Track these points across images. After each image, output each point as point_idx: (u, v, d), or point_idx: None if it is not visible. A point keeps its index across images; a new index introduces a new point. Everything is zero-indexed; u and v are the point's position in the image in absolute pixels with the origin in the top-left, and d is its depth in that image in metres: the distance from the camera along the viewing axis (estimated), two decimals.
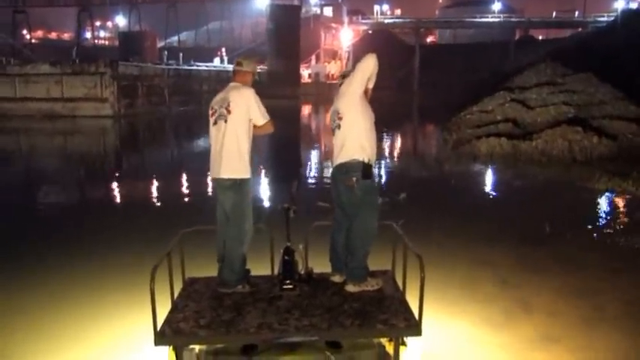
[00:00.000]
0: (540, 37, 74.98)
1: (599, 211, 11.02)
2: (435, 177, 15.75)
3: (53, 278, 7.28)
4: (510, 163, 16.59)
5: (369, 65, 4.51)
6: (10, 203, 12.65)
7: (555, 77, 24.61)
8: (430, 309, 5.63)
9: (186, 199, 12.85)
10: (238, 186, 4.51)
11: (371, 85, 4.61)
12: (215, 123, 4.52)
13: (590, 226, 9.65)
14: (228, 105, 4.47)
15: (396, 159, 20.23)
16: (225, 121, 4.46)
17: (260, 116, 4.55)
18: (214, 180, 4.60)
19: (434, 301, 6.02)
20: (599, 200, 11.84)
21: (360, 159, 4.43)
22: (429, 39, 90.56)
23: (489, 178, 15.45)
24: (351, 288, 4.53)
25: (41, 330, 5.88)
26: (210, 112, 4.57)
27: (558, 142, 16.93)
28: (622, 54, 29.59)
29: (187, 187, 14.09)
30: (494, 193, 13.41)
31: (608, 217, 10.38)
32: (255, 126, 4.59)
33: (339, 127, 4.49)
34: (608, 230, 9.44)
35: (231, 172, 4.49)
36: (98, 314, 6.14)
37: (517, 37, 70.98)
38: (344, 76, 4.78)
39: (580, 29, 64.72)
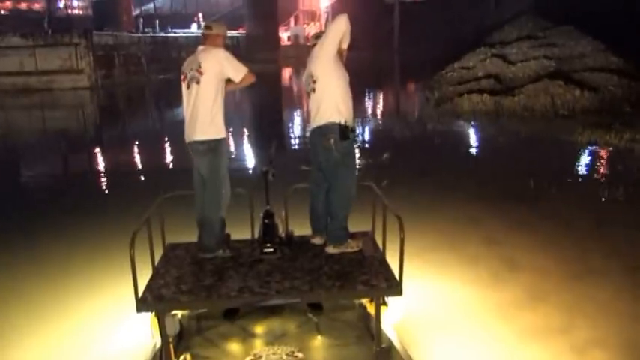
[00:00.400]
0: None
1: (582, 165, 10.99)
2: (418, 136, 15.60)
3: (30, 251, 7.11)
4: (493, 120, 16.54)
5: (341, 26, 4.46)
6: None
7: (536, 31, 24.51)
8: (413, 270, 5.50)
9: (168, 166, 12.70)
10: (213, 148, 4.46)
11: (345, 46, 4.55)
12: (188, 87, 4.47)
13: (573, 180, 9.67)
14: (199, 66, 4.41)
15: (378, 118, 20.09)
16: (197, 82, 4.40)
17: (236, 72, 4.52)
18: (189, 144, 4.55)
19: (418, 262, 5.98)
20: (581, 154, 11.80)
21: (337, 121, 4.41)
22: None
23: (472, 136, 15.42)
24: (331, 249, 4.57)
25: (20, 301, 5.74)
26: (182, 76, 4.52)
27: (540, 96, 16.88)
28: (604, 5, 29.33)
29: (169, 154, 13.88)
30: (477, 151, 13.36)
31: (591, 171, 10.40)
32: (234, 82, 4.56)
33: (313, 90, 4.46)
34: (592, 184, 9.42)
35: (204, 134, 4.44)
36: (79, 284, 5.99)
37: None
38: (317, 37, 4.73)
39: None
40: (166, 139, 15.73)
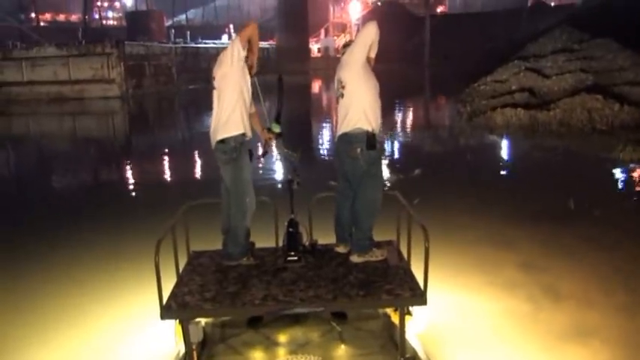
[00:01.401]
0: (552, 4, 73.23)
1: (626, 185, 10.43)
2: (450, 151, 15.16)
3: (58, 258, 7.17)
4: (528, 135, 15.97)
5: (370, 33, 4.43)
6: (23, 186, 12.73)
7: (571, 44, 23.88)
8: (445, 294, 5.43)
9: (197, 175, 12.62)
10: (232, 152, 4.39)
11: (373, 54, 4.53)
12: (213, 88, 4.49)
13: (614, 201, 9.13)
14: (214, 78, 4.45)
15: (409, 132, 19.68)
16: (214, 88, 4.45)
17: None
18: (215, 150, 4.50)
19: (449, 285, 5.75)
20: (624, 173, 11.25)
21: (365, 128, 4.38)
22: (440, 9, 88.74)
23: (507, 151, 14.91)
24: (355, 259, 4.58)
25: (46, 306, 5.79)
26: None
27: (577, 111, 16.28)
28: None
29: (197, 163, 13.72)
30: (512, 168, 12.75)
31: (634, 191, 9.81)
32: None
33: (342, 95, 4.44)
34: (634, 205, 8.86)
35: (223, 133, 4.40)
36: (105, 291, 6.04)
37: (529, 4, 69.38)
38: (346, 45, 4.71)
39: None
40: (194, 148, 15.55)
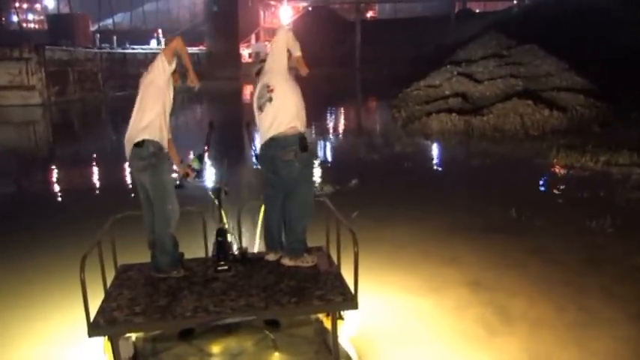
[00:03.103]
0: (477, 10, 75.05)
1: (563, 191, 10.38)
2: (387, 158, 14.85)
3: None
4: (464, 141, 15.98)
5: (281, 38, 4.60)
6: None
7: (500, 49, 24.24)
8: (384, 320, 5.26)
9: (123, 187, 11.86)
10: (151, 158, 4.32)
11: (298, 52, 4.64)
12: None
13: (556, 209, 9.04)
14: (144, 77, 4.48)
15: (343, 138, 19.42)
16: (138, 95, 4.45)
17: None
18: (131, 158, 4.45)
19: (390, 310, 5.45)
20: (560, 179, 11.29)
21: (299, 129, 4.49)
22: (370, 14, 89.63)
23: (444, 159, 14.76)
24: (287, 262, 4.65)
25: None
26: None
27: (510, 116, 16.44)
28: (561, 25, 29.41)
29: (124, 174, 12.91)
30: (451, 176, 12.58)
31: (573, 197, 9.74)
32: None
33: (270, 99, 4.46)
34: (575, 212, 8.75)
35: (141, 135, 4.35)
36: (29, 312, 5.61)
37: (456, 10, 70.89)
38: (262, 61, 4.83)
39: (515, 1, 64.86)
40: (121, 158, 14.69)
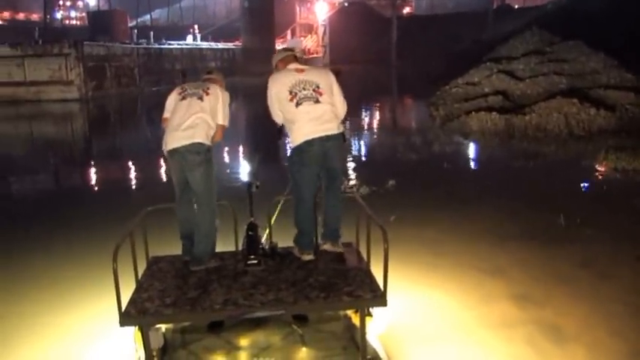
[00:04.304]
0: (517, 6, 73.56)
1: (613, 196, 9.74)
2: (425, 158, 14.40)
3: (16, 269, 6.90)
4: (504, 141, 15.41)
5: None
6: None
7: (543, 46, 23.43)
8: (423, 326, 5.17)
9: (157, 180, 11.90)
10: (209, 157, 4.59)
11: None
12: (183, 98, 4.68)
13: (607, 217, 8.37)
14: (208, 88, 4.73)
15: (378, 137, 19.00)
16: (200, 98, 4.65)
17: (223, 117, 4.77)
18: (172, 150, 4.58)
19: (430, 318, 5.25)
20: (609, 182, 10.69)
21: (342, 130, 4.76)
22: (406, 10, 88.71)
23: (485, 159, 14.24)
24: (329, 247, 4.79)
25: (8, 317, 5.60)
26: (179, 91, 4.78)
27: (553, 115, 15.80)
28: (608, 20, 28.36)
29: (158, 168, 12.87)
30: (495, 179, 11.81)
31: (626, 204, 9.08)
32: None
33: (317, 100, 4.60)
34: (630, 221, 8.11)
35: (205, 138, 4.60)
36: (63, 299, 5.87)
37: (494, 6, 69.52)
38: (287, 50, 5.18)
39: None
40: (157, 152, 14.62)
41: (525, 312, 5.41)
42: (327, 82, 4.73)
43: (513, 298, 5.71)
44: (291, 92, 4.62)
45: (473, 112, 17.20)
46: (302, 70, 4.75)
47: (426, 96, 23.68)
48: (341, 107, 4.78)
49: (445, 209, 8.84)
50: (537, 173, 12.12)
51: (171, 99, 4.81)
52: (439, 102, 20.93)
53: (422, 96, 25.54)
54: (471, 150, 15.33)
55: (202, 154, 4.50)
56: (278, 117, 4.77)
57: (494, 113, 16.66)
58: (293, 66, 4.81)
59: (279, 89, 4.68)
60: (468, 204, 9.21)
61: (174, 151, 4.54)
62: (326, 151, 4.60)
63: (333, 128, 4.61)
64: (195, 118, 4.56)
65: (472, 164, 13.70)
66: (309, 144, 4.55)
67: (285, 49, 5.17)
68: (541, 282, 6.09)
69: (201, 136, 4.52)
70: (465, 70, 23.20)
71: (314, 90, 4.62)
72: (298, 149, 4.61)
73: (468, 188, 10.63)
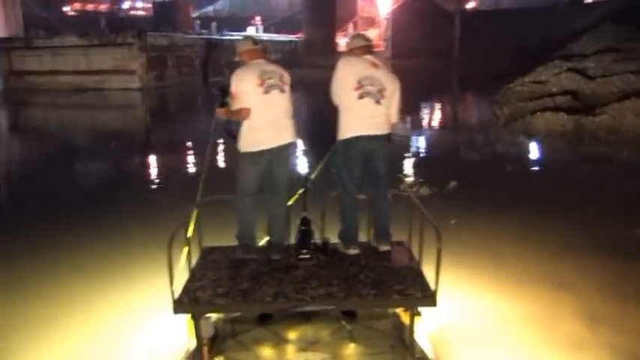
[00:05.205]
0: (589, 0, 70.89)
1: None
2: (488, 160, 13.75)
3: (74, 252, 7.15)
4: (573, 143, 14.63)
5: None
6: (43, 178, 12.52)
7: (617, 43, 22.24)
8: (479, 342, 4.89)
9: (214, 172, 11.62)
10: (292, 150, 4.80)
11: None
12: (266, 92, 4.59)
13: None
14: (282, 77, 4.72)
15: (439, 136, 18.40)
16: (282, 91, 4.67)
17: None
18: (270, 149, 4.62)
19: (490, 330, 5.07)
20: None
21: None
22: (470, 5, 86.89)
23: (552, 162, 13.45)
24: (384, 246, 4.80)
25: (67, 295, 5.89)
26: (260, 80, 4.59)
27: (628, 117, 14.90)
28: None
29: (217, 160, 12.80)
30: (563, 184, 11.00)
31: None
32: None
33: (378, 101, 4.64)
34: None
35: (294, 137, 4.81)
36: (118, 286, 6.05)
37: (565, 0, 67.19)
38: (367, 39, 5.03)
39: None
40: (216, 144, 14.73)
41: (597, 334, 4.95)
42: (393, 88, 4.75)
43: (583, 316, 5.28)
44: (359, 82, 4.61)
45: (539, 112, 16.48)
46: (376, 66, 4.73)
47: (489, 94, 22.90)
48: (394, 116, 4.85)
49: (509, 214, 8.34)
50: (609, 179, 11.32)
51: (249, 87, 4.58)
52: (503, 100, 20.16)
53: (484, 93, 24.74)
54: (537, 152, 14.59)
55: (292, 147, 4.79)
56: (336, 98, 4.78)
57: (561, 113, 15.91)
58: (370, 58, 4.79)
59: (348, 74, 4.67)
60: (534, 209, 8.63)
61: (267, 151, 4.60)
62: (371, 149, 4.70)
63: (381, 129, 4.71)
64: (287, 116, 4.72)
65: (538, 167, 13.00)
66: (356, 139, 4.65)
67: (363, 37, 5.07)
68: (615, 301, 5.58)
69: (294, 134, 4.77)
70: (531, 67, 22.25)
71: (379, 90, 4.64)
72: (345, 143, 4.70)
73: (534, 192, 10.01)
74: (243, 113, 4.57)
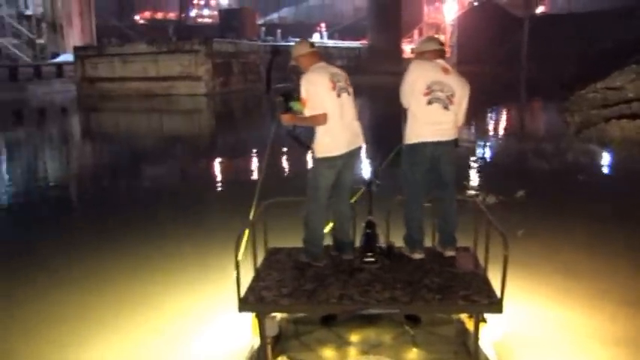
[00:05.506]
0: None
1: None
2: (558, 169, 13.16)
3: (139, 249, 7.36)
4: None
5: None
6: (111, 181, 13.22)
7: None
8: (548, 355, 4.69)
9: (278, 175, 11.83)
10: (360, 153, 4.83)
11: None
12: (339, 95, 4.55)
13: None
14: (347, 80, 4.69)
15: (507, 144, 17.87)
16: (349, 94, 4.65)
17: None
18: (346, 153, 4.58)
19: (555, 346, 4.80)
20: None
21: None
22: (540, 9, 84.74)
23: (627, 173, 12.69)
24: (450, 252, 4.77)
25: (128, 295, 5.97)
26: (332, 83, 4.52)
27: None
28: None
29: (281, 164, 13.01)
30: (637, 194, 10.36)
31: None
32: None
33: (446, 107, 4.61)
34: None
35: (363, 140, 4.79)
36: (181, 284, 6.15)
37: None
38: (441, 43, 4.97)
39: None
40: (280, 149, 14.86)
41: None
42: (463, 94, 4.71)
43: None
44: (428, 87, 4.58)
45: (613, 120, 15.79)
46: (447, 71, 4.70)
47: (559, 100, 22.15)
48: (461, 120, 4.83)
49: (581, 227, 7.88)
50: None
51: (323, 92, 4.49)
52: (574, 107, 19.42)
53: (554, 100, 23.99)
54: (611, 161, 13.92)
55: (359, 150, 4.78)
56: (405, 101, 4.75)
57: (638, 121, 15.13)
58: (441, 62, 4.76)
59: (418, 78, 4.65)
60: (608, 223, 8.13)
61: (344, 155, 4.58)
62: (438, 155, 4.68)
63: (448, 135, 4.68)
64: (356, 120, 4.72)
65: (612, 178, 12.36)
66: (422, 145, 4.64)
67: (437, 41, 5.02)
68: None
69: (362, 140, 4.75)
70: (605, 73, 21.41)
71: (448, 96, 4.60)
72: (411, 148, 4.71)
73: (608, 205, 9.43)
74: (320, 119, 4.48)
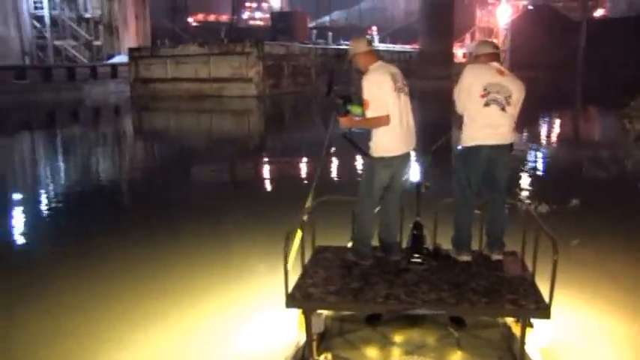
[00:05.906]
0: None
1: None
2: (616, 178, 12.72)
3: (189, 246, 7.45)
4: None
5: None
6: (162, 178, 13.55)
7: None
8: None
9: (326, 176, 11.86)
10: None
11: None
12: (399, 96, 4.52)
13: None
14: (404, 79, 4.64)
15: (562, 151, 17.32)
16: (406, 94, 4.62)
17: None
18: (404, 153, 4.61)
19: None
20: None
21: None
22: (599, 12, 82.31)
23: None
24: (497, 256, 4.74)
25: (178, 287, 6.10)
26: (393, 83, 4.49)
27: None
28: None
29: (330, 165, 12.90)
30: None
31: None
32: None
33: (503, 108, 4.59)
34: None
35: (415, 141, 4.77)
36: (232, 279, 6.27)
37: None
38: (495, 46, 4.97)
39: None
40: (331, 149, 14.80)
41: None
42: (519, 95, 4.66)
43: None
44: (485, 89, 4.56)
45: None
46: (503, 73, 4.66)
47: (617, 107, 21.44)
48: (516, 121, 4.77)
49: (638, 239, 7.56)
50: None
51: (387, 93, 4.46)
52: (633, 114, 18.85)
53: (612, 107, 23.23)
54: None
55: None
56: (460, 106, 4.74)
57: None
58: (495, 65, 4.71)
59: (473, 81, 4.62)
60: None
61: (401, 156, 4.59)
62: (493, 158, 4.66)
63: (504, 139, 4.64)
64: (412, 120, 4.68)
65: None
66: (479, 148, 4.62)
67: (492, 44, 5.01)
68: None
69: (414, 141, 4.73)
70: None
71: (505, 98, 4.57)
72: (467, 150, 4.69)
73: None
74: (384, 120, 4.45)
